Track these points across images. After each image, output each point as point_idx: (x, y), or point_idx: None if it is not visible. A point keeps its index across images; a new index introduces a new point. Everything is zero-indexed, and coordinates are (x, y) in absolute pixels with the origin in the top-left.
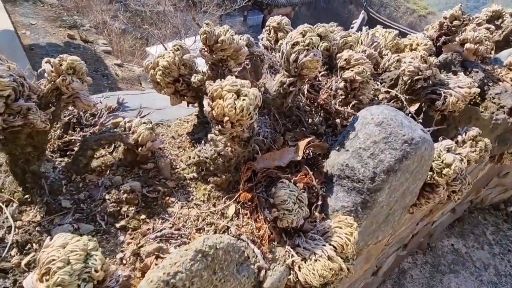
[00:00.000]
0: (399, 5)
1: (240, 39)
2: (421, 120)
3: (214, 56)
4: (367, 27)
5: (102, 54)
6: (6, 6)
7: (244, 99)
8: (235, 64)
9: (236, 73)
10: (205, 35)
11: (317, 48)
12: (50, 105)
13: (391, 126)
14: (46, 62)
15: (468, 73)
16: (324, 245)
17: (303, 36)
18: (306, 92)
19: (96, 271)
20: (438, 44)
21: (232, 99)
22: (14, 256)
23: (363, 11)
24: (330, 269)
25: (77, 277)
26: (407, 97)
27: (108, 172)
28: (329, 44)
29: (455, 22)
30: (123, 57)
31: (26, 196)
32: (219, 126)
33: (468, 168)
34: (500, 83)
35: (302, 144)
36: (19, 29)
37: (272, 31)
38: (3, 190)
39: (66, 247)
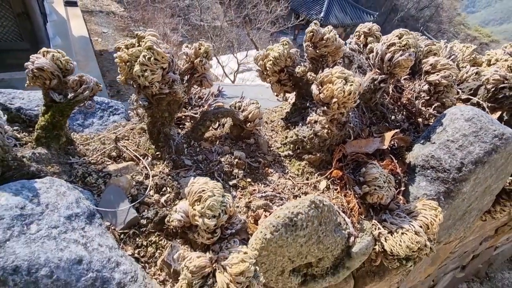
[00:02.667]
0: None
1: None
2: None
3: (317, 51)
4: (446, 40)
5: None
6: (84, 16)
7: (351, 84)
8: (332, 61)
9: None
10: (311, 33)
11: (410, 50)
12: (184, 82)
13: (481, 121)
14: (186, 47)
15: None
16: (411, 221)
17: (399, 38)
18: (390, 92)
19: (230, 206)
20: None
21: (341, 84)
22: (153, 196)
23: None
24: (417, 242)
25: (219, 207)
26: (489, 104)
27: (217, 142)
28: (416, 50)
29: None
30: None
31: (158, 152)
32: (325, 107)
33: None
34: None
35: (388, 135)
36: (92, 36)
37: (362, 36)
38: (139, 147)
39: (209, 183)
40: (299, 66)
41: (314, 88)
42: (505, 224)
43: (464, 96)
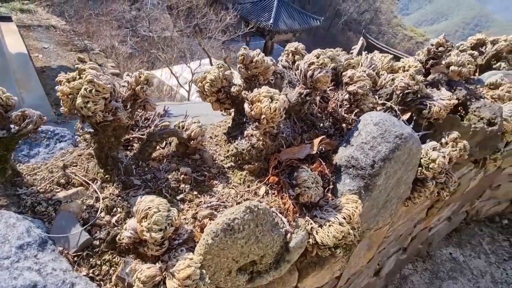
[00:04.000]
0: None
1: (270, 60)
2: (411, 126)
3: (249, 72)
4: (366, 52)
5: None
6: (20, 31)
7: (276, 102)
8: (263, 79)
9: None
10: (242, 56)
11: (328, 67)
12: (128, 107)
13: (385, 125)
14: (127, 75)
15: (453, 90)
16: (336, 214)
17: (317, 58)
18: (318, 102)
19: (175, 219)
20: (427, 66)
21: (268, 102)
22: (104, 217)
23: (362, 38)
24: (341, 231)
25: (165, 221)
26: (399, 107)
27: (165, 160)
28: (336, 64)
29: (440, 48)
30: None
31: (107, 176)
32: (256, 123)
33: (457, 173)
34: (482, 99)
35: (316, 141)
36: (32, 52)
37: (290, 54)
38: (88, 172)
39: (155, 201)
40: (234, 86)
41: (246, 106)
42: (432, 206)
43: (381, 101)
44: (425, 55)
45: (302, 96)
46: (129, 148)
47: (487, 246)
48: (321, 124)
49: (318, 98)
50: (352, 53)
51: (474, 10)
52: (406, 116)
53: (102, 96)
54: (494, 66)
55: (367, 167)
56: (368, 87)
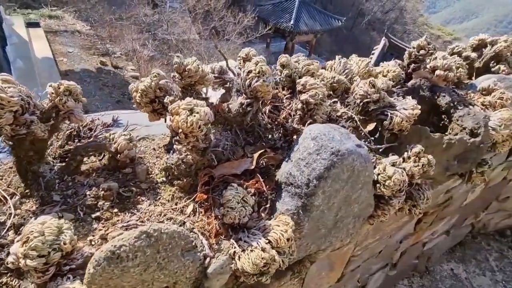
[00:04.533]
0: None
1: (215, 66)
2: (372, 138)
3: (183, 81)
4: (340, 56)
5: (130, 79)
6: (48, 36)
7: (195, 115)
8: (201, 88)
9: (220, 96)
10: (176, 64)
11: (266, 76)
12: (51, 119)
13: (322, 139)
14: (49, 86)
15: (436, 97)
16: (260, 239)
17: (256, 65)
18: (267, 112)
19: (64, 243)
20: (408, 71)
21: (185, 115)
22: (9, 236)
23: (384, 38)
24: (262, 258)
25: (49, 246)
26: (361, 117)
27: (94, 174)
28: (290, 71)
29: (421, 52)
30: None
31: (27, 191)
32: (177, 137)
33: (441, 186)
34: (471, 106)
35: (256, 155)
36: (57, 57)
37: (242, 61)
38: (10, 186)
39: (44, 224)
40: (167, 97)
41: (167, 119)
42: (420, 221)
43: (342, 110)
44: (407, 59)
45: (243, 106)
46: (66, 160)
47: (494, 263)
48: (270, 136)
49: (268, 107)
50: (373, 53)
51: (506, 8)
52: (371, 126)
53: (8, 110)
54: (492, 69)
55: (303, 185)
56: (321, 95)
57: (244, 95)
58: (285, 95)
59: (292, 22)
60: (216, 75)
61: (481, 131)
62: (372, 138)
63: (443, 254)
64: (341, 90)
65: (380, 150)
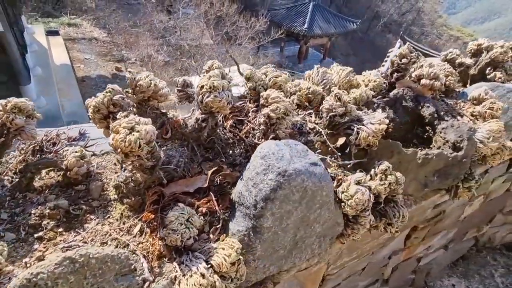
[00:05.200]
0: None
1: (178, 80)
2: (339, 154)
3: (135, 96)
4: (319, 65)
5: None
6: (66, 44)
7: (134, 134)
8: (157, 104)
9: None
10: (128, 80)
11: (219, 90)
12: (2, 136)
13: (271, 159)
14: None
15: (420, 107)
16: (200, 263)
17: (208, 80)
18: (229, 126)
19: None
20: (392, 80)
21: (124, 134)
22: None
23: (399, 40)
24: (201, 285)
25: None
26: (329, 131)
27: (47, 191)
28: (255, 84)
29: (403, 60)
30: None
31: None
32: (119, 155)
33: (426, 202)
34: (459, 117)
35: (209, 173)
36: (75, 63)
37: (206, 73)
38: None
39: None
40: (120, 113)
41: (110, 137)
42: (410, 236)
43: (310, 124)
44: (389, 68)
45: (198, 122)
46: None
47: (499, 279)
48: (231, 151)
49: (230, 121)
50: (388, 56)
51: None
52: (341, 140)
53: None
54: (488, 77)
55: (251, 206)
56: (282, 110)
57: (199, 110)
58: (251, 108)
59: (306, 25)
60: (180, 88)
61: (463, 145)
62: (339, 154)
63: (444, 268)
64: (318, 101)
65: (349, 166)
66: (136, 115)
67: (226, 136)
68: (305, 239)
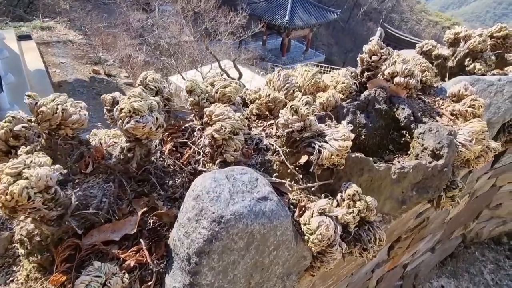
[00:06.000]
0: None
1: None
2: (301, 175)
3: (40, 126)
4: (280, 68)
5: (123, 86)
6: (40, 48)
7: (19, 184)
8: (69, 133)
9: None
10: (28, 106)
11: (141, 114)
12: None
13: (204, 200)
14: None
15: (395, 109)
16: None
17: (128, 101)
18: (167, 151)
19: None
20: (362, 80)
21: (7, 183)
22: None
23: (379, 28)
24: None
25: None
26: (287, 150)
27: None
28: (197, 98)
29: (374, 57)
30: None
31: None
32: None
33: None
34: (438, 117)
35: (139, 213)
36: (50, 68)
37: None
38: None
39: None
40: (23, 147)
41: None
42: (393, 247)
43: (265, 141)
44: (359, 66)
45: (124, 151)
46: None
47: (489, 276)
48: (170, 182)
49: (169, 145)
50: None
51: None
52: (304, 158)
53: None
54: (467, 68)
55: (185, 260)
56: (228, 129)
57: (124, 137)
58: (197, 126)
59: (287, 17)
60: (108, 107)
61: (444, 152)
62: (301, 176)
63: (433, 269)
64: (279, 110)
65: (313, 189)
66: (41, 150)
67: (164, 164)
68: (264, 284)
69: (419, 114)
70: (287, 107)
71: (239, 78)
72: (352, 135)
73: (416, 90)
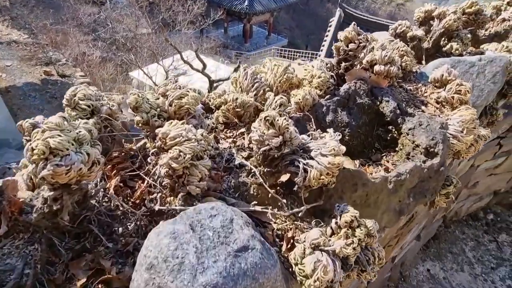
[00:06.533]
0: None
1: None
2: (284, 199)
3: None
4: (246, 66)
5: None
6: None
7: None
8: None
9: None
10: None
11: (69, 153)
12: None
13: (161, 273)
14: None
15: (379, 102)
16: None
17: (40, 138)
18: (113, 188)
19: None
20: (340, 71)
21: None
22: None
23: (338, 9)
24: None
25: None
26: (265, 170)
27: None
28: (146, 116)
29: (351, 46)
30: (104, 87)
31: None
32: None
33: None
34: (423, 107)
35: (78, 284)
36: None
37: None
38: None
39: None
40: None
41: None
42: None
43: (238, 159)
44: (335, 56)
45: (48, 203)
46: None
47: (471, 253)
48: (120, 229)
49: (115, 180)
50: (330, 25)
51: None
52: (285, 177)
53: None
54: (444, 49)
55: None
56: (188, 155)
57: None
58: (151, 150)
59: (246, 3)
60: (27, 138)
61: (438, 149)
62: (284, 201)
63: (417, 253)
64: (250, 115)
65: (300, 215)
66: None
67: (111, 205)
68: None
69: (403, 104)
70: (260, 119)
71: (203, 69)
72: (343, 148)
73: (397, 78)
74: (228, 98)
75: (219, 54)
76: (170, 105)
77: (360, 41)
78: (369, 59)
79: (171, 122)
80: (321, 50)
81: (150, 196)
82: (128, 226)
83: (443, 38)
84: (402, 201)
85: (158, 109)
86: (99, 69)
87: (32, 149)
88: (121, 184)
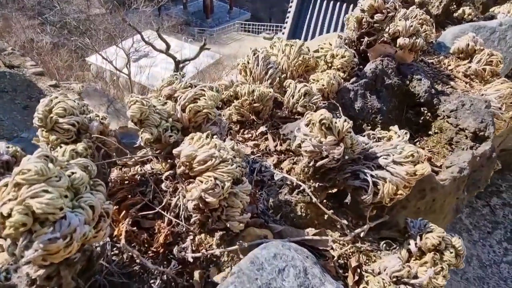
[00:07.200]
0: None
1: None
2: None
3: None
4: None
5: (33, 77)
6: None
7: None
8: None
9: None
10: None
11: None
12: None
13: None
14: None
15: (408, 82)
16: None
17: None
18: (123, 238)
19: None
20: (360, 48)
21: None
22: None
23: None
24: None
25: None
26: (316, 185)
27: None
28: (156, 132)
29: (377, 17)
30: (60, 76)
31: None
32: None
33: None
34: (452, 83)
35: None
36: None
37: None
38: None
39: None
40: None
41: None
42: None
43: (280, 174)
44: (355, 30)
45: (37, 284)
46: None
47: (467, 220)
48: None
49: (123, 227)
50: (291, 6)
51: None
52: (333, 189)
53: None
54: (455, 15)
55: None
56: (228, 184)
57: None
58: (164, 173)
59: None
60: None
61: (489, 133)
62: (345, 222)
63: None
64: (269, 109)
65: (362, 235)
66: None
67: (122, 260)
68: None
69: (440, 84)
70: (312, 122)
71: (167, 49)
72: (422, 152)
73: (422, 52)
74: (242, 91)
75: (181, 33)
76: (183, 110)
77: (389, 10)
78: (391, 31)
79: (192, 137)
80: (286, 22)
81: (180, 244)
82: (152, 285)
83: (452, 4)
84: (460, 197)
85: (170, 119)
86: (51, 56)
87: (3, 218)
88: (134, 227)
